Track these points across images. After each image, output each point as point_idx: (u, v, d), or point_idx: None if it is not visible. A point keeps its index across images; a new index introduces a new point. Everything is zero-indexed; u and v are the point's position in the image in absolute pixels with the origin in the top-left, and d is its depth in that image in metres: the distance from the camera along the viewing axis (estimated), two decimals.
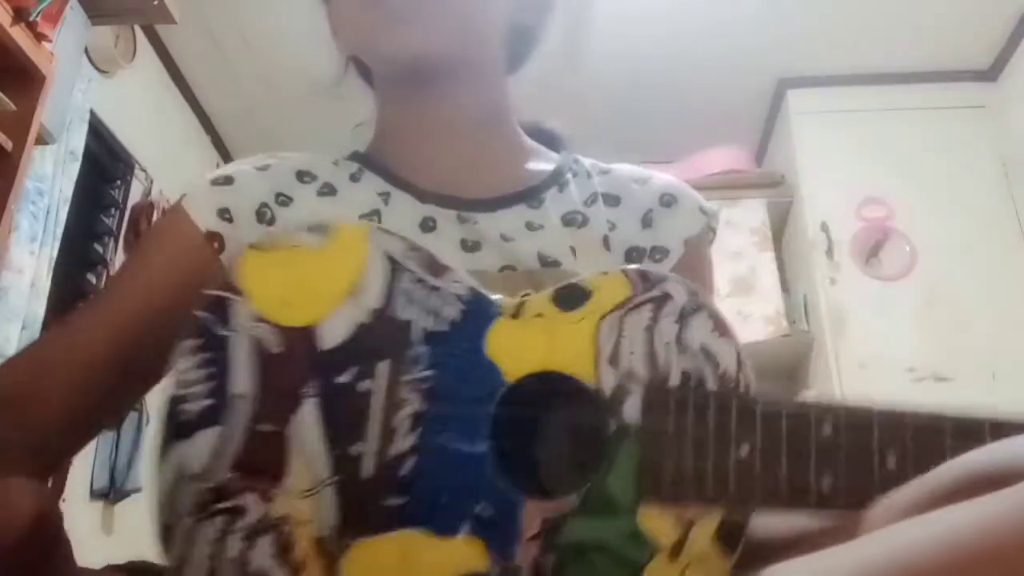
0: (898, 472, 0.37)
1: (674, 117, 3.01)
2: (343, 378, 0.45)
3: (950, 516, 0.28)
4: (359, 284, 0.47)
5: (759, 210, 2.88)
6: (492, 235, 0.64)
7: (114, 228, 2.50)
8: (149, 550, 0.45)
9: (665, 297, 0.45)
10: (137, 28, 2.56)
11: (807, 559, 0.31)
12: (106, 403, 0.61)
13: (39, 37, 1.71)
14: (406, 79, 0.68)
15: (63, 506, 2.10)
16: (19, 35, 1.62)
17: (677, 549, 0.39)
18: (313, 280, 0.48)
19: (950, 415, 0.38)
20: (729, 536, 0.39)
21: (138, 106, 2.67)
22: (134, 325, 0.61)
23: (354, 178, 0.70)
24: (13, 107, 1.64)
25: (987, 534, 0.26)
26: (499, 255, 0.63)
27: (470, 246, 0.64)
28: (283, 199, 0.67)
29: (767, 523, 0.49)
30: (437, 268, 0.48)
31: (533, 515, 0.41)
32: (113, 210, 2.52)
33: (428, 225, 0.65)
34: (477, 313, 0.47)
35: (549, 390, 0.45)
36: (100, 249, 2.44)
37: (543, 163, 0.73)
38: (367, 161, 0.72)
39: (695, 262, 0.69)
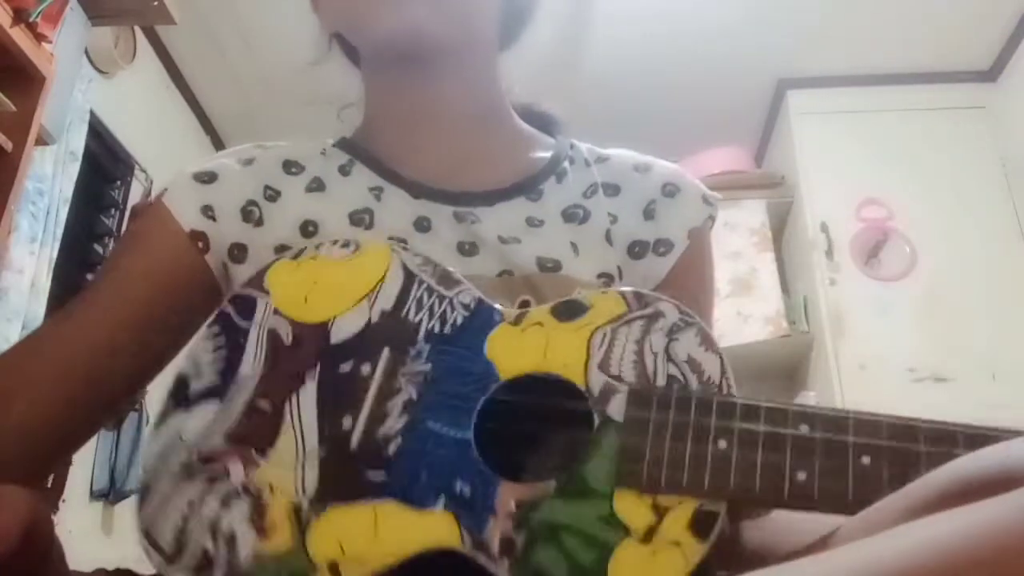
0: (872, 470, 0.38)
1: (674, 117, 3.00)
2: (346, 367, 0.49)
3: (941, 522, 0.28)
4: (375, 291, 0.52)
5: (759, 210, 2.88)
6: (490, 237, 0.62)
7: (114, 228, 2.50)
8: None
9: (657, 315, 0.47)
10: (137, 29, 2.56)
11: (802, 562, 0.31)
12: (91, 402, 0.59)
13: (39, 38, 1.71)
14: (397, 60, 0.65)
15: (63, 506, 2.10)
16: (19, 36, 1.62)
17: (650, 534, 0.39)
18: (334, 285, 0.52)
19: (924, 421, 0.39)
20: (703, 525, 0.39)
21: (138, 106, 2.67)
22: (119, 317, 0.60)
23: (344, 171, 0.67)
24: (13, 107, 1.64)
25: (979, 540, 0.26)
26: (497, 259, 0.62)
27: (467, 249, 0.62)
28: (271, 193, 0.65)
29: (764, 535, 0.49)
30: (449, 281, 0.52)
31: (508, 496, 0.42)
32: (113, 210, 2.52)
33: (423, 225, 0.63)
34: (480, 319, 0.50)
35: (539, 387, 0.47)
36: (100, 249, 2.44)
37: (539, 150, 0.71)
38: (356, 150, 0.69)
39: (700, 251, 0.68)
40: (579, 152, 0.72)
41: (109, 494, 2.37)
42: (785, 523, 0.52)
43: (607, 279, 0.63)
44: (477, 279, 0.58)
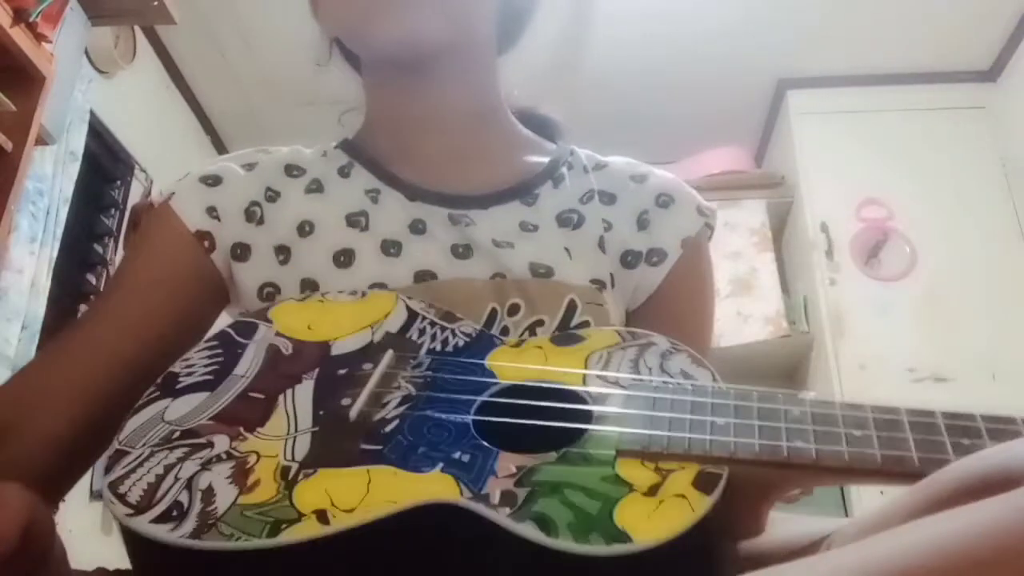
0: (863, 437, 0.40)
1: (674, 117, 3.00)
2: (344, 370, 0.49)
3: (941, 522, 0.28)
4: (380, 322, 0.53)
5: (759, 210, 2.88)
6: (484, 240, 0.63)
7: (114, 228, 2.50)
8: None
9: (649, 343, 0.50)
10: (137, 29, 2.55)
11: (810, 560, 0.31)
12: (110, 414, 0.58)
13: (39, 38, 1.71)
14: (395, 65, 0.66)
15: (63, 506, 2.09)
16: (19, 36, 1.62)
17: (654, 489, 0.39)
18: (340, 317, 0.54)
19: (903, 408, 0.42)
20: (708, 482, 0.39)
21: (138, 106, 2.67)
22: (133, 329, 0.60)
23: (343, 173, 0.68)
24: (13, 107, 1.64)
25: (979, 540, 0.26)
26: (490, 263, 0.62)
27: (460, 252, 0.62)
28: (271, 194, 0.66)
29: (773, 538, 0.49)
30: (452, 318, 0.54)
31: (508, 463, 0.41)
32: (113, 210, 2.52)
33: (418, 227, 0.64)
34: (481, 342, 0.52)
35: (538, 391, 0.47)
36: (100, 249, 2.44)
37: (537, 154, 0.71)
38: (356, 152, 0.70)
39: (696, 260, 0.68)
40: (578, 158, 0.72)
41: None
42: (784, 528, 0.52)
43: (599, 285, 0.63)
44: (469, 282, 0.58)
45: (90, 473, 0.59)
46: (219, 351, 0.50)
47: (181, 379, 0.48)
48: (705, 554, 0.39)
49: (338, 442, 0.44)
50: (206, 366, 0.49)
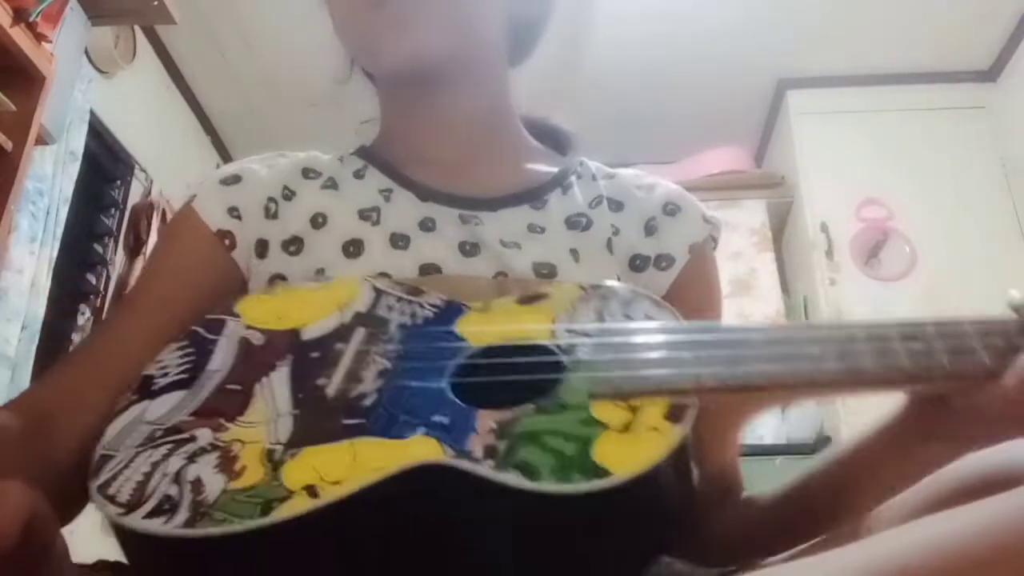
0: (820, 354, 0.43)
1: (674, 117, 3.01)
2: (318, 352, 0.50)
3: (941, 521, 0.28)
4: (347, 304, 0.53)
5: (759, 210, 2.88)
6: (491, 240, 0.64)
7: (114, 228, 2.50)
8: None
9: (612, 292, 0.52)
10: (137, 28, 2.56)
11: (805, 562, 0.31)
12: None
13: (39, 37, 1.71)
14: (407, 82, 0.68)
15: None
16: (19, 35, 1.62)
17: (627, 426, 0.41)
18: (307, 304, 0.54)
19: (859, 322, 0.45)
20: (677, 414, 0.41)
21: (138, 106, 2.67)
22: (159, 329, 0.61)
23: (358, 174, 0.70)
24: (13, 107, 1.64)
25: (979, 539, 0.26)
26: (495, 262, 0.63)
27: (468, 250, 0.63)
28: (287, 192, 0.68)
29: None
30: (417, 291, 0.54)
31: (487, 420, 0.43)
32: (113, 210, 2.52)
33: (428, 225, 0.65)
34: (449, 310, 0.53)
35: (509, 350, 0.48)
36: (100, 249, 2.44)
37: (547, 164, 0.73)
38: (372, 157, 0.72)
39: (703, 265, 0.69)
40: (587, 168, 0.74)
41: None
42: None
43: None
44: (474, 279, 0.59)
45: None
46: (191, 350, 0.51)
47: (157, 380, 0.49)
48: (679, 478, 0.41)
49: (319, 421, 0.44)
50: (179, 365, 0.49)
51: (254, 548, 0.38)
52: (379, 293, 0.54)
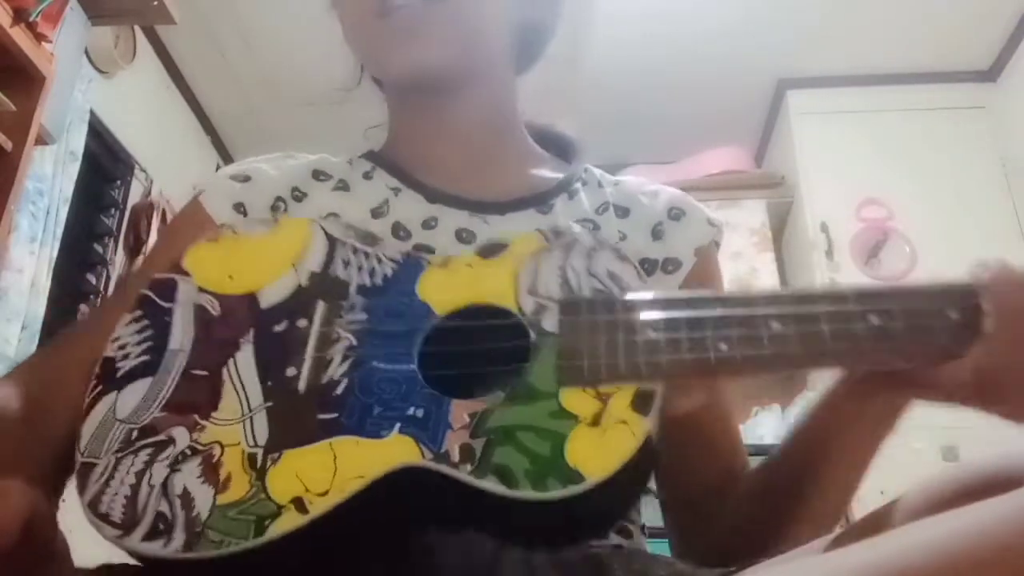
0: (783, 332, 0.42)
1: (674, 117, 3.00)
2: (280, 326, 0.49)
3: (942, 522, 0.28)
4: (300, 256, 0.52)
5: (759, 210, 2.88)
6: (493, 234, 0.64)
7: (114, 228, 2.50)
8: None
9: (574, 242, 0.51)
10: (137, 28, 2.56)
11: (810, 560, 0.31)
12: None
13: (39, 37, 1.71)
14: (414, 90, 0.69)
15: (63, 506, 2.09)
16: (19, 35, 1.62)
17: (597, 418, 0.41)
18: (257, 258, 0.53)
19: (819, 288, 0.45)
20: (644, 403, 0.42)
21: (138, 106, 2.67)
22: None
23: (367, 176, 0.71)
24: (13, 107, 1.64)
25: (979, 540, 0.26)
26: None
27: (464, 237, 0.64)
28: (298, 194, 0.68)
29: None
30: (373, 240, 0.53)
31: (461, 411, 0.43)
32: (113, 210, 2.52)
33: (430, 224, 0.65)
34: (409, 267, 0.52)
35: (474, 316, 0.49)
36: (100, 249, 2.44)
37: (552, 170, 0.73)
38: (380, 160, 0.72)
39: (708, 268, 0.70)
40: (592, 175, 0.74)
41: None
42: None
43: None
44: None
45: None
46: (146, 322, 0.50)
47: (119, 364, 0.48)
48: (647, 465, 0.42)
49: (294, 418, 0.45)
50: (139, 344, 0.49)
51: (251, 563, 0.40)
52: (333, 242, 0.53)
